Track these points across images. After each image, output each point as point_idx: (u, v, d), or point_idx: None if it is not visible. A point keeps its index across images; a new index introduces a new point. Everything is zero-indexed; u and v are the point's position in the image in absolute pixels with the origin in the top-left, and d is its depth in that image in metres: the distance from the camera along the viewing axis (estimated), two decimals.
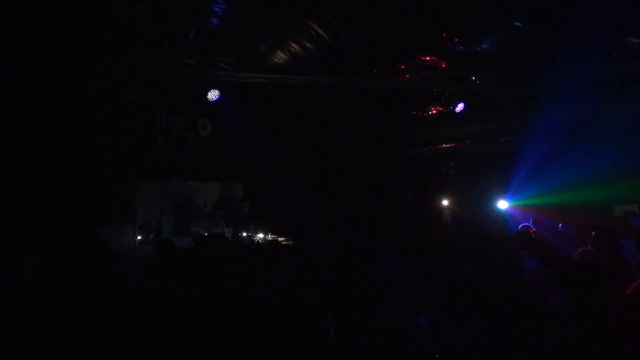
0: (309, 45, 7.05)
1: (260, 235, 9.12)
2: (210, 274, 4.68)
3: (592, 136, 9.03)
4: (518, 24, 6.57)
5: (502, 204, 11.35)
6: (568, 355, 2.07)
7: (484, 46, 7.31)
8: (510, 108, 9.57)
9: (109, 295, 3.51)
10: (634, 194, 9.43)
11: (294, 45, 7.16)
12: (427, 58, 7.95)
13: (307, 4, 6.26)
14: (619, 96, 8.29)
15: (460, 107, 9.69)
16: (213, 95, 8.23)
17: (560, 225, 8.11)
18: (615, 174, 9.24)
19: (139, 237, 9.12)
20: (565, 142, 9.76)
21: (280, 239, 8.99)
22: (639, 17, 6.21)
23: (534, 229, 7.55)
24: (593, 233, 5.37)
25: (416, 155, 12.53)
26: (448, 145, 11.92)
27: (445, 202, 12.71)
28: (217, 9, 6.28)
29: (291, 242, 8.86)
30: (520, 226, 7.70)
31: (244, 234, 9.14)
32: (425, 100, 10.10)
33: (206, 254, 6.10)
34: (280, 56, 7.55)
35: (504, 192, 11.29)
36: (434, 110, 10.45)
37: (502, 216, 11.22)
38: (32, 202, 7.14)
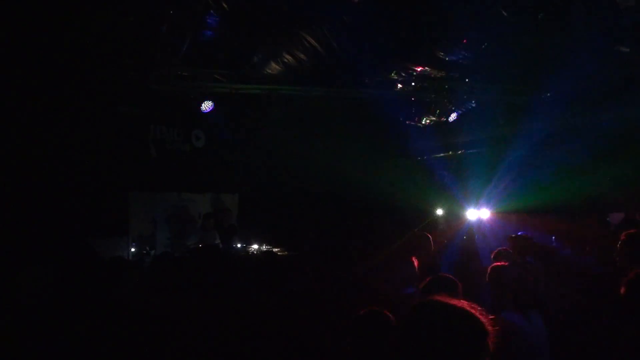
0: (302, 56, 7.09)
1: (255, 246, 9.10)
2: (203, 285, 4.66)
3: (585, 144, 9.09)
4: (509, 33, 6.63)
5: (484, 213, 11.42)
6: None
7: (476, 56, 7.37)
8: (503, 117, 9.63)
9: (103, 308, 3.49)
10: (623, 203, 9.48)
11: (287, 56, 7.20)
12: (419, 68, 8.00)
13: (300, 15, 6.30)
14: (610, 104, 8.36)
15: (453, 116, 9.74)
16: (207, 106, 8.24)
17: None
18: (606, 182, 9.29)
19: (132, 249, 9.07)
20: (558, 149, 9.82)
21: (275, 249, 8.97)
22: (628, 26, 6.28)
23: None
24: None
25: (410, 165, 12.56)
26: (442, 155, 11.96)
27: (439, 211, 12.75)
28: (210, 21, 6.31)
29: (286, 252, 8.84)
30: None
31: (238, 245, 9.12)
32: (418, 110, 10.13)
33: (199, 265, 6.07)
34: (273, 67, 7.58)
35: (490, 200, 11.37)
36: (427, 120, 10.48)
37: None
38: (25, 215, 7.10)
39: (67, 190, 7.90)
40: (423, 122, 10.37)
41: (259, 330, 3.38)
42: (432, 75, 8.35)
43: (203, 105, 8.21)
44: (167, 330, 3.38)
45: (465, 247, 8.77)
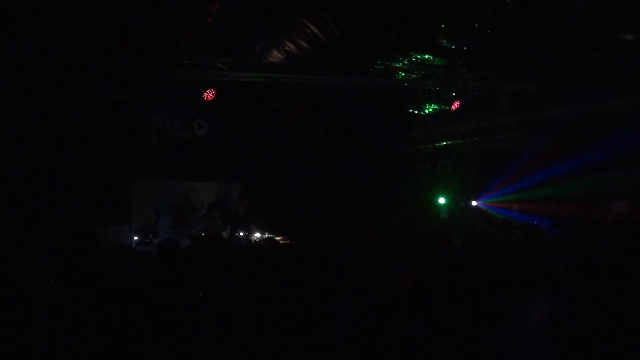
0: (304, 44, 7.04)
1: (258, 235, 9.11)
2: (208, 274, 4.68)
3: (588, 132, 9.07)
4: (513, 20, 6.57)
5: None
6: None
7: (478, 43, 7.32)
8: (505, 105, 9.57)
9: (105, 296, 3.50)
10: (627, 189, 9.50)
11: (290, 44, 7.15)
12: (422, 56, 7.95)
13: (302, 2, 6.26)
14: (614, 92, 8.32)
15: (456, 105, 9.70)
16: (209, 95, 8.21)
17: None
18: (610, 170, 9.29)
19: (135, 238, 9.10)
20: (561, 138, 9.81)
21: (278, 238, 8.97)
22: (633, 13, 6.22)
23: None
24: None
25: (413, 154, 12.53)
26: (444, 144, 11.92)
27: (442, 200, 12.73)
28: (212, 9, 6.27)
29: (289, 241, 8.86)
30: None
31: (242, 234, 9.13)
32: (421, 98, 10.10)
33: (203, 254, 6.10)
34: (275, 55, 7.54)
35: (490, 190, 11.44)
36: (430, 108, 10.45)
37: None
38: (27, 203, 7.12)
39: (70, 178, 7.91)
40: (426, 111, 10.35)
41: (260, 317, 3.39)
42: (435, 64, 8.30)
43: (205, 93, 8.18)
44: (168, 318, 3.40)
45: None
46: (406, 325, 3.64)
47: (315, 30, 6.66)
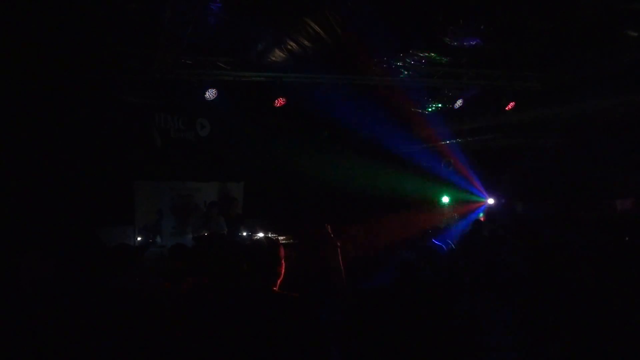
0: (306, 43, 7.02)
1: (260, 234, 9.10)
2: (211, 273, 4.67)
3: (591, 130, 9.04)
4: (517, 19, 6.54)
5: None
6: None
7: (482, 41, 7.28)
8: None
9: (108, 298, 3.49)
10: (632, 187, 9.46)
11: (292, 44, 7.13)
12: (425, 54, 7.92)
13: (304, 1, 6.24)
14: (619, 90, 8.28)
15: (459, 103, 9.65)
16: (211, 94, 8.19)
17: None
18: (615, 167, 9.26)
19: (139, 238, 9.11)
20: (564, 136, 9.79)
21: (281, 237, 8.96)
22: (637, 10, 6.19)
23: None
24: None
25: (415, 152, 12.50)
26: (447, 142, 11.90)
27: (445, 199, 12.71)
28: (213, 8, 6.25)
29: (291, 240, 8.83)
30: None
31: (244, 233, 9.13)
32: (424, 96, 10.06)
33: (206, 253, 6.08)
34: (277, 54, 7.51)
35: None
36: (432, 107, 10.42)
37: None
38: (30, 204, 7.12)
39: (72, 179, 7.92)
40: (429, 109, 10.31)
41: (263, 316, 3.38)
42: (438, 62, 8.27)
43: (207, 93, 8.16)
44: (173, 320, 3.39)
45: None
46: (402, 321, 3.63)
47: (317, 29, 6.63)
